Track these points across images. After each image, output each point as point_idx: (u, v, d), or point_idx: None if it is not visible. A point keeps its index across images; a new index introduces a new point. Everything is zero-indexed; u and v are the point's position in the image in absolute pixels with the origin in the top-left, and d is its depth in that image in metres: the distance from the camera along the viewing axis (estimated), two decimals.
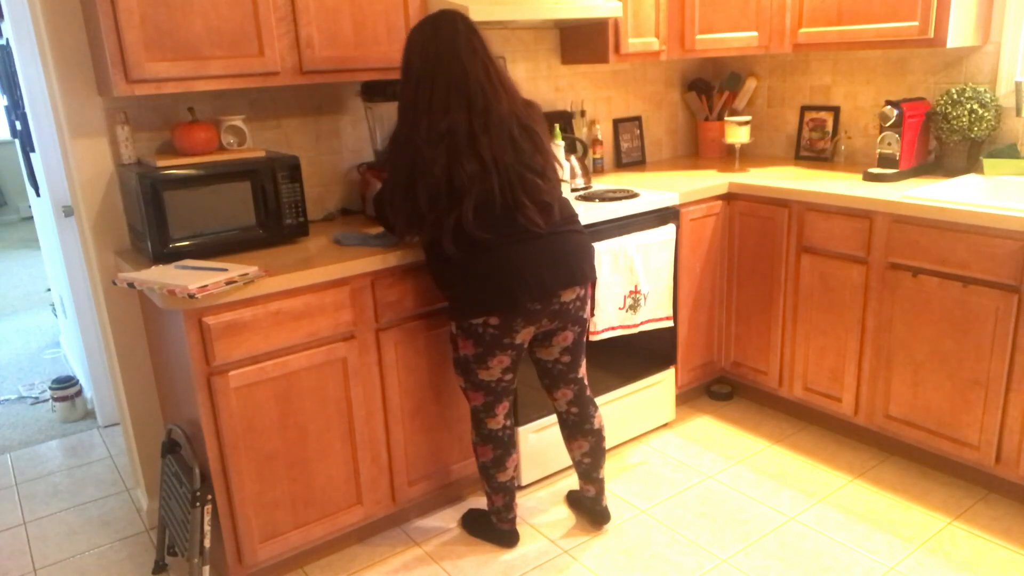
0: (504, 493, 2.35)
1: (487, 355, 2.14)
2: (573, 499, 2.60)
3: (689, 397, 3.32)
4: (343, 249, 2.27)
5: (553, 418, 2.70)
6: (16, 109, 3.79)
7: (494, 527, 2.42)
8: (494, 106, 1.99)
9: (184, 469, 2.18)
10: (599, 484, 2.45)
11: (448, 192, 1.98)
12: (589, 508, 2.50)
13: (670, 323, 2.85)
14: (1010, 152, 2.74)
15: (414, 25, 2.07)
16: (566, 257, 2.09)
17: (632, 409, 2.94)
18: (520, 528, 2.51)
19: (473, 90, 1.97)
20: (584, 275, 2.15)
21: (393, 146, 2.07)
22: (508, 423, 2.31)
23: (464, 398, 2.44)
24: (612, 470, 2.82)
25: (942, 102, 2.82)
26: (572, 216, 2.17)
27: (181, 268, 2.05)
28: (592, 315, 2.61)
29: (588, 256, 2.17)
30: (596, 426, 2.37)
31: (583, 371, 2.33)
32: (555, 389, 2.34)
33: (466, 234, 2.00)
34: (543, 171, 2.06)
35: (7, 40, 3.43)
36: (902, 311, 2.58)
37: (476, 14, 2.40)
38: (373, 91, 2.56)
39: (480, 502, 2.67)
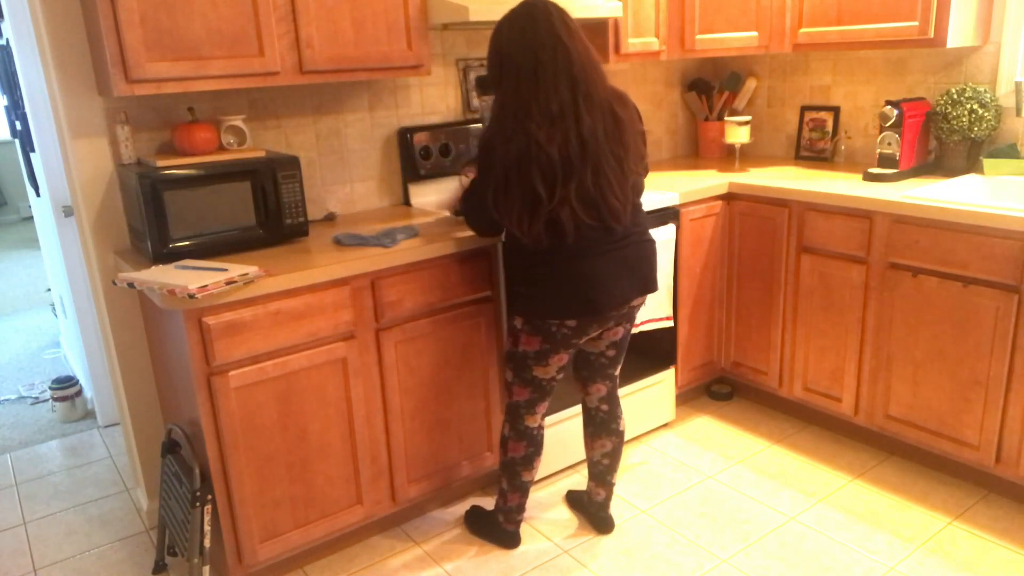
0: (522, 493, 2.35)
1: (551, 353, 2.15)
2: (574, 499, 2.59)
3: (689, 397, 3.32)
4: (343, 249, 2.27)
5: (554, 418, 2.70)
6: (16, 109, 3.79)
7: (499, 527, 2.41)
8: (594, 89, 1.97)
9: (184, 469, 2.18)
10: (610, 488, 2.44)
11: (563, 174, 1.95)
12: (594, 514, 2.48)
13: (670, 323, 2.85)
14: (1010, 152, 2.74)
15: (503, 17, 2.03)
16: (641, 267, 2.14)
17: (632, 409, 2.95)
18: (520, 528, 2.51)
19: (577, 72, 1.95)
20: (655, 284, 2.21)
21: (494, 141, 1.99)
22: (543, 423, 2.32)
23: (506, 391, 2.33)
24: None
25: (942, 102, 2.82)
26: (646, 223, 2.18)
27: (181, 268, 2.05)
28: None
29: (656, 264, 2.21)
30: (621, 427, 2.38)
31: (619, 370, 2.36)
32: (591, 383, 2.34)
33: (560, 229, 1.98)
34: (624, 167, 2.02)
35: (7, 40, 3.43)
36: (902, 311, 2.58)
37: (476, 14, 2.41)
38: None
39: (480, 502, 2.67)
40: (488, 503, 2.65)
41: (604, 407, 2.37)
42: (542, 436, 2.32)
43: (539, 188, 1.94)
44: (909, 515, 2.49)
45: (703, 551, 2.36)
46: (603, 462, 2.39)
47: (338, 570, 2.37)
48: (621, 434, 2.39)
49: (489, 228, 2.21)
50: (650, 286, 2.18)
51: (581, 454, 2.82)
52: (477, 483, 2.74)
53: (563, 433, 2.73)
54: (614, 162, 1.99)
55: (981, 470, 2.57)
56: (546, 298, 2.07)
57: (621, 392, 2.88)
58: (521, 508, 2.38)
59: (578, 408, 2.75)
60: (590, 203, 1.98)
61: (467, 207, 2.22)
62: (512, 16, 2.01)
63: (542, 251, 2.04)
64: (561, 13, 1.99)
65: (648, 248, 2.17)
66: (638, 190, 2.16)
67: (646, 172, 2.20)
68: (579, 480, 2.76)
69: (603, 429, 2.37)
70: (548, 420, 2.68)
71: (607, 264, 2.06)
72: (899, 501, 2.56)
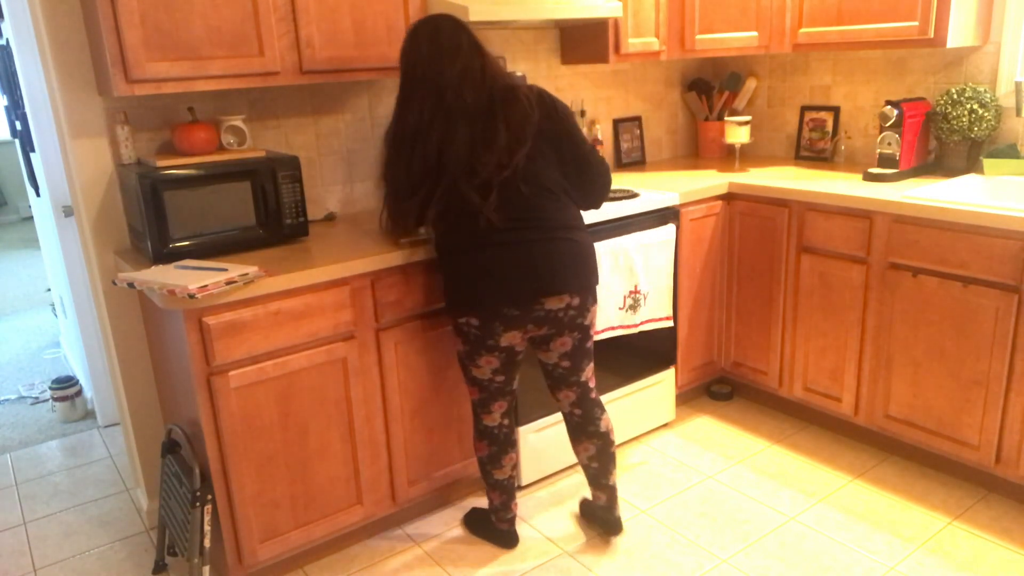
0: (501, 491, 2.35)
1: (474, 353, 2.17)
2: (585, 508, 2.53)
3: (689, 397, 3.32)
4: (343, 249, 2.27)
5: (554, 418, 2.70)
6: (16, 109, 3.79)
7: (493, 526, 2.42)
8: (463, 100, 2.02)
9: (184, 469, 2.18)
10: (610, 491, 2.37)
11: (436, 168, 2.04)
12: (602, 517, 2.43)
13: (670, 323, 2.85)
14: (1010, 152, 2.74)
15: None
16: (551, 264, 2.05)
17: (632, 409, 2.94)
18: (520, 528, 2.51)
19: (447, 89, 2.02)
20: (575, 284, 2.09)
21: (386, 146, 2.15)
22: (506, 422, 2.31)
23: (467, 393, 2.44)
24: None
25: (942, 102, 2.82)
26: (569, 222, 2.12)
27: (181, 268, 2.05)
28: None
29: (582, 264, 2.11)
30: (602, 428, 2.30)
31: (587, 375, 2.28)
32: (557, 390, 2.31)
33: (453, 220, 2.06)
34: (508, 164, 2.03)
35: (7, 40, 3.43)
36: (902, 311, 2.58)
37: (476, 14, 2.41)
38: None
39: (480, 502, 2.67)
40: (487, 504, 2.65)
41: (577, 411, 2.30)
42: (506, 434, 2.30)
43: (404, 193, 2.11)
44: (909, 515, 2.49)
45: (703, 551, 2.36)
46: (592, 465, 2.34)
47: (338, 570, 2.37)
48: (603, 435, 2.30)
49: (401, 226, 2.25)
50: (564, 287, 2.07)
51: None
52: (477, 483, 2.74)
53: (562, 434, 2.73)
54: (474, 164, 2.01)
55: (981, 470, 2.57)
56: (449, 294, 2.13)
57: (621, 392, 2.88)
58: (506, 507, 2.37)
59: None
60: (456, 202, 2.03)
61: (386, 208, 2.25)
62: (409, 32, 2.10)
63: (448, 247, 2.10)
64: (451, 27, 2.05)
65: (560, 246, 2.07)
66: (577, 189, 2.17)
67: (584, 167, 2.17)
68: (579, 480, 2.76)
69: (581, 432, 2.31)
70: (546, 420, 2.68)
71: (497, 259, 2.04)
72: (899, 501, 2.56)
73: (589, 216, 2.59)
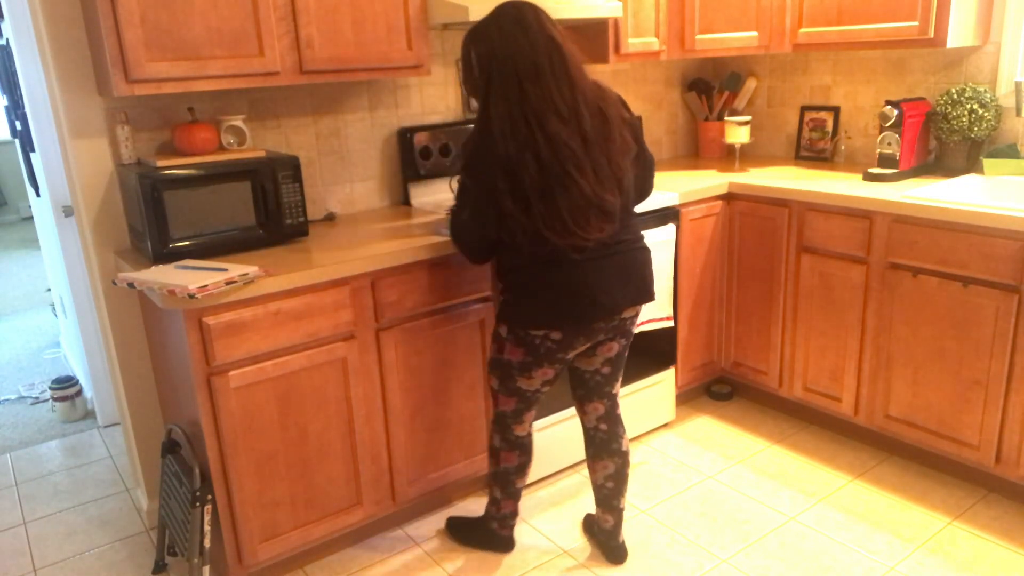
0: (516, 499, 2.32)
1: (535, 366, 2.06)
2: (588, 525, 2.47)
3: (689, 397, 3.32)
4: (343, 249, 2.27)
5: (554, 417, 2.70)
6: (16, 109, 3.79)
7: (493, 533, 2.37)
8: (585, 88, 1.90)
9: (184, 469, 2.18)
10: (619, 514, 2.30)
11: (548, 181, 1.87)
12: (604, 542, 2.34)
13: (670, 323, 2.85)
14: (1010, 152, 2.74)
15: (487, 18, 1.94)
16: (635, 275, 2.04)
17: (632, 409, 2.94)
18: (520, 528, 2.51)
19: (573, 71, 1.89)
20: (650, 293, 2.11)
21: (481, 150, 1.91)
22: (531, 431, 2.27)
23: (492, 399, 2.27)
24: None
25: (942, 102, 2.82)
26: (639, 228, 2.10)
27: (181, 268, 2.05)
28: None
29: (651, 273, 2.12)
30: (624, 447, 2.25)
31: (618, 388, 2.25)
32: (587, 401, 2.23)
33: (545, 236, 1.89)
34: (614, 165, 1.94)
35: (7, 40, 3.43)
36: (902, 311, 2.58)
37: (476, 14, 2.40)
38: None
39: (480, 503, 2.67)
40: (483, 505, 2.64)
41: (603, 427, 2.24)
42: (531, 442, 2.27)
43: (531, 193, 1.86)
44: (909, 515, 2.49)
45: (703, 551, 2.36)
46: (607, 485, 2.25)
47: (338, 570, 2.37)
48: (624, 454, 2.24)
49: (483, 250, 2.06)
50: (644, 296, 2.08)
51: (581, 454, 2.82)
52: (477, 483, 2.74)
53: (562, 433, 2.73)
54: (605, 161, 1.91)
55: (981, 470, 2.57)
56: (529, 307, 1.99)
57: (621, 392, 2.87)
58: (516, 513, 2.35)
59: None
60: (588, 205, 1.89)
61: (460, 228, 2.06)
62: (500, 17, 1.92)
63: (532, 258, 1.95)
64: (546, 13, 1.95)
65: (642, 255, 2.07)
66: (637, 191, 2.10)
67: (648, 168, 2.13)
68: (579, 480, 2.76)
69: (603, 450, 2.24)
70: (547, 420, 2.68)
71: (595, 272, 1.96)
72: (899, 501, 2.56)
73: None
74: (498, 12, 1.94)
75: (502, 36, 1.90)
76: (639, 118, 2.13)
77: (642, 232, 2.11)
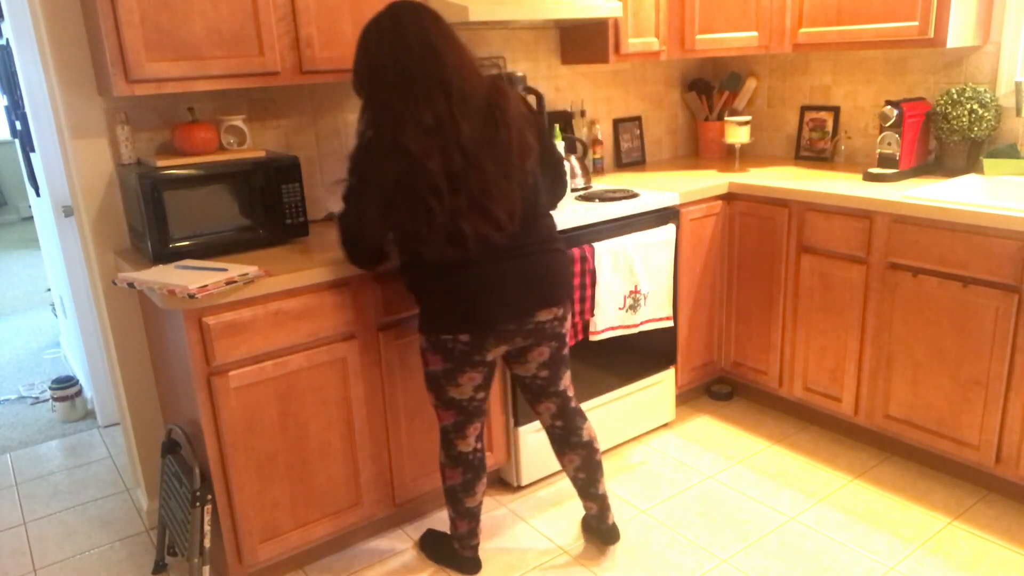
0: (470, 519, 2.24)
1: (457, 371, 2.05)
2: (583, 522, 2.46)
3: (689, 397, 3.32)
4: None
5: None
6: (16, 109, 3.79)
7: (456, 553, 2.31)
8: (470, 92, 1.86)
9: (184, 469, 2.18)
10: (601, 501, 2.31)
11: (448, 187, 1.85)
12: (596, 528, 2.36)
13: (670, 323, 2.85)
14: (1010, 152, 2.74)
15: (370, 20, 1.92)
16: (544, 277, 2.01)
17: (632, 409, 2.94)
18: (520, 528, 2.51)
19: (449, 76, 1.83)
20: (563, 296, 2.07)
21: (373, 157, 1.88)
22: (479, 445, 2.20)
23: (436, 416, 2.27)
24: (612, 470, 2.82)
25: (942, 102, 2.82)
26: (555, 233, 2.08)
27: (181, 268, 2.05)
28: (592, 315, 2.61)
29: (568, 276, 2.09)
30: (585, 438, 2.25)
31: (565, 384, 2.23)
32: (537, 403, 2.24)
33: (460, 242, 1.88)
34: (508, 170, 1.91)
35: (7, 40, 3.43)
36: (902, 311, 2.58)
37: (476, 14, 2.41)
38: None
39: (485, 505, 2.66)
40: (487, 503, 2.65)
41: (559, 423, 2.24)
42: (479, 460, 2.20)
43: (430, 202, 1.83)
44: (909, 515, 2.49)
45: (703, 551, 2.36)
46: (579, 476, 2.27)
47: (338, 570, 2.37)
48: (587, 444, 2.24)
49: (369, 256, 2.06)
50: (556, 299, 2.03)
51: None
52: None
53: None
54: (494, 167, 1.88)
55: (981, 470, 2.57)
56: (435, 312, 1.99)
57: (621, 392, 2.88)
58: (473, 534, 2.27)
59: None
60: (481, 211, 1.87)
61: (344, 234, 2.03)
62: (381, 19, 1.89)
63: (431, 263, 1.94)
64: (430, 13, 1.89)
65: (552, 258, 2.03)
66: (548, 192, 2.08)
67: (554, 168, 2.11)
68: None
69: (564, 445, 2.25)
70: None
71: (495, 274, 1.95)
72: (899, 501, 2.56)
73: (588, 216, 2.60)
74: (380, 14, 1.91)
75: (379, 40, 1.88)
76: (542, 116, 2.09)
77: (557, 235, 2.07)
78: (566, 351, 2.20)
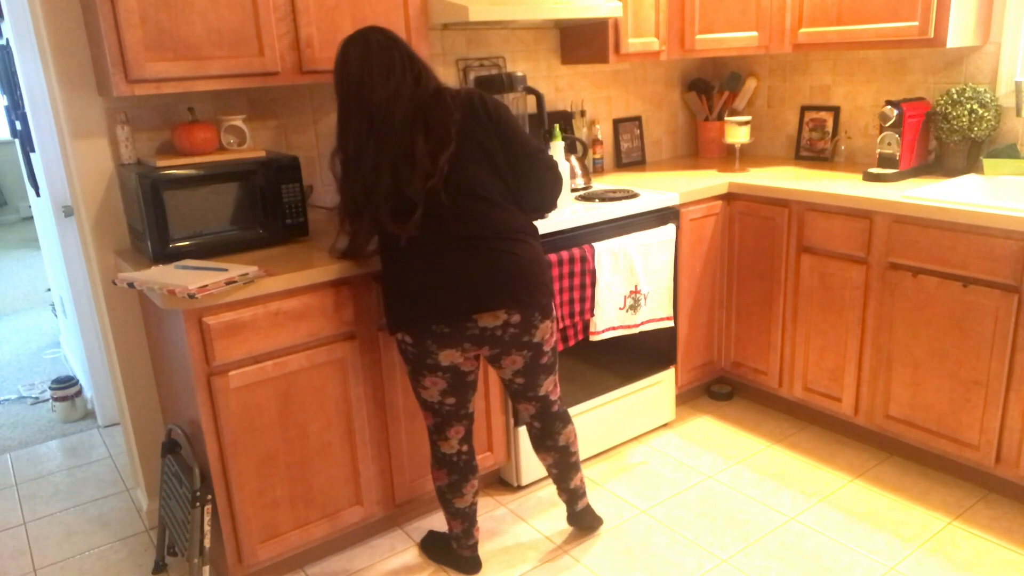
0: (463, 520, 2.24)
1: (416, 374, 2.07)
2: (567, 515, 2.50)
3: (689, 397, 3.32)
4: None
5: None
6: (16, 109, 3.79)
7: (454, 552, 2.32)
8: (392, 120, 1.93)
9: (184, 469, 2.18)
10: (571, 493, 2.36)
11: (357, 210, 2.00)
12: (570, 514, 2.43)
13: (670, 323, 2.85)
14: (1010, 152, 2.74)
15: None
16: (483, 279, 1.93)
17: (632, 409, 2.95)
18: (520, 528, 2.51)
19: (374, 109, 1.93)
20: (511, 299, 1.95)
21: (339, 157, 2.04)
22: (464, 448, 2.19)
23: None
24: (612, 470, 2.82)
25: (942, 102, 2.82)
26: (509, 233, 1.98)
27: (181, 268, 2.05)
28: (593, 315, 2.61)
29: (522, 278, 1.96)
30: (560, 443, 2.26)
31: (546, 389, 2.20)
32: (517, 402, 2.26)
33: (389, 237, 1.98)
34: (434, 171, 1.93)
35: (7, 40, 3.43)
36: (902, 311, 2.58)
37: (476, 14, 2.41)
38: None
39: (485, 505, 2.67)
40: (487, 503, 2.65)
41: (536, 424, 2.26)
42: (465, 462, 2.19)
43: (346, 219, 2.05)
44: (909, 515, 2.49)
45: (703, 551, 2.36)
46: (552, 471, 2.33)
47: (338, 570, 2.37)
48: (562, 448, 2.27)
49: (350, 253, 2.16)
50: (495, 302, 1.94)
51: (580, 454, 2.82)
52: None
53: None
54: (401, 183, 1.92)
55: (981, 470, 2.57)
56: (387, 309, 2.05)
57: (621, 392, 2.88)
58: (468, 534, 2.27)
59: (574, 405, 2.76)
60: (374, 210, 1.96)
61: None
62: (338, 53, 1.99)
63: (383, 259, 2.03)
64: (380, 44, 1.94)
65: (500, 258, 1.94)
66: (520, 188, 2.04)
67: (523, 161, 2.03)
68: None
69: (540, 445, 2.28)
70: None
71: (428, 272, 1.94)
72: (899, 501, 2.56)
73: (588, 216, 2.59)
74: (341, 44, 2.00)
75: (336, 68, 1.99)
76: (512, 114, 2.07)
77: (514, 235, 1.99)
78: (546, 360, 2.14)
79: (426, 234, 1.95)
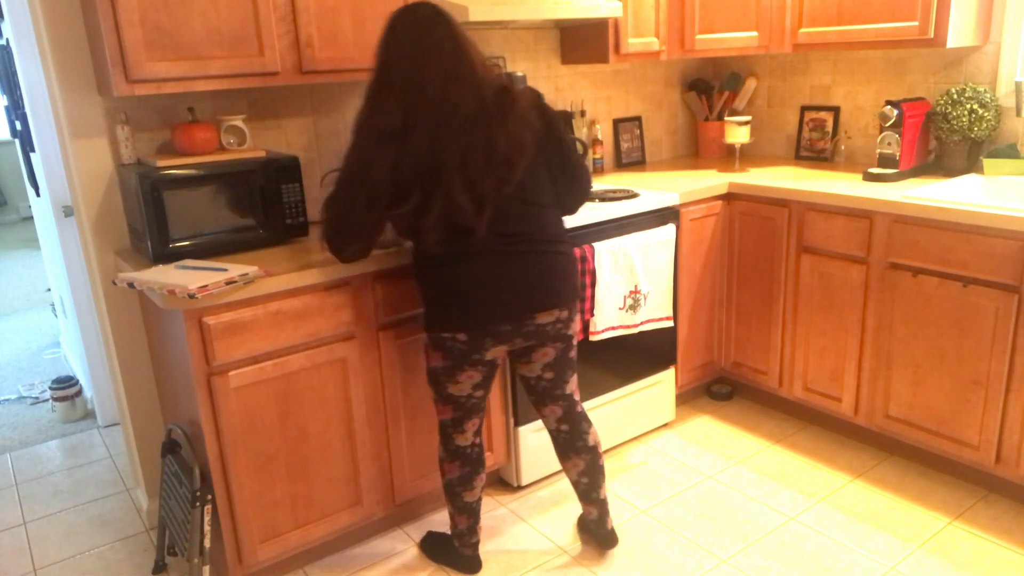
0: (468, 515, 2.24)
1: (456, 369, 2.06)
2: (580, 523, 2.47)
3: (689, 397, 3.32)
4: None
5: None
6: (16, 109, 3.79)
7: (456, 551, 2.31)
8: (454, 102, 1.87)
9: (184, 469, 2.18)
10: (601, 505, 2.31)
11: (395, 193, 1.89)
12: (594, 532, 2.37)
13: (670, 323, 2.85)
14: (1010, 152, 2.74)
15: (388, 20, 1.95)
16: (544, 278, 2.00)
17: (632, 409, 2.94)
18: (520, 528, 2.51)
19: (427, 84, 1.86)
20: (564, 298, 2.05)
21: (356, 153, 1.95)
22: (477, 440, 2.21)
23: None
24: (612, 470, 2.82)
25: (942, 102, 2.82)
26: (559, 235, 2.06)
27: (181, 268, 2.05)
28: (592, 315, 2.61)
29: (573, 277, 2.08)
30: (590, 443, 2.25)
31: (571, 387, 2.22)
32: (542, 406, 2.24)
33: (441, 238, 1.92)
34: (494, 172, 1.91)
35: (7, 40, 3.43)
36: (902, 311, 2.58)
37: (476, 14, 2.41)
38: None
39: (485, 505, 2.66)
40: (487, 503, 2.65)
41: (564, 427, 2.24)
42: (477, 454, 2.21)
43: (360, 206, 1.91)
44: (909, 515, 2.49)
45: (703, 551, 2.36)
46: (582, 481, 2.27)
47: (338, 570, 2.37)
48: (592, 449, 2.24)
49: (350, 251, 2.07)
50: (555, 302, 2.02)
51: None
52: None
53: None
54: (463, 171, 1.87)
55: (981, 470, 2.57)
56: (435, 310, 2.01)
57: (621, 392, 2.88)
58: (472, 531, 2.27)
59: None
60: (441, 216, 1.89)
61: (328, 224, 2.04)
62: (386, 24, 1.94)
63: (432, 259, 1.98)
64: (430, 17, 1.90)
65: (554, 259, 2.02)
66: (562, 194, 2.07)
67: (567, 174, 2.07)
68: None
69: (569, 449, 2.25)
70: (541, 423, 2.67)
71: (495, 273, 1.95)
72: (899, 501, 2.56)
73: (588, 216, 2.60)
74: (389, 18, 1.95)
75: (381, 43, 1.93)
76: (556, 122, 2.08)
77: (562, 236, 2.07)
78: (573, 353, 2.19)
79: (490, 235, 1.95)
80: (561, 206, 2.13)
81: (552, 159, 2.06)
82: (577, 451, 2.25)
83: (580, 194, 2.17)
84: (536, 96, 2.05)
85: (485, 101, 1.90)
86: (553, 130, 2.05)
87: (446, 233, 1.92)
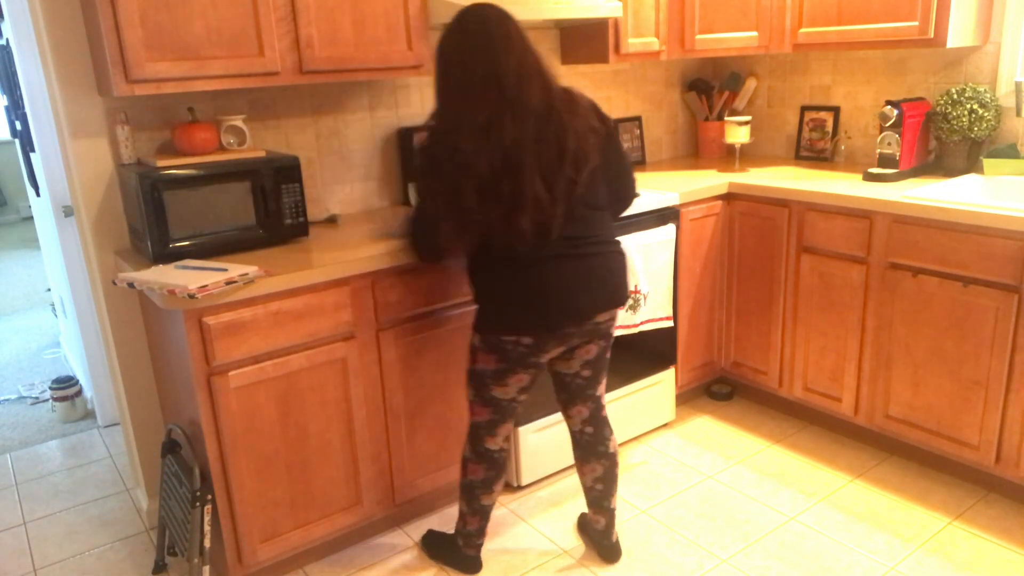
0: (481, 517, 2.25)
1: (509, 372, 2.05)
2: (582, 524, 2.47)
3: (689, 397, 3.32)
4: (343, 249, 2.27)
5: (554, 418, 2.70)
6: (16, 109, 3.79)
7: (459, 551, 2.31)
8: (528, 95, 1.87)
9: (184, 469, 2.18)
10: (610, 516, 2.30)
11: (495, 190, 1.87)
12: (598, 542, 2.35)
13: (670, 323, 2.85)
14: (1010, 152, 2.74)
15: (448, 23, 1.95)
16: (606, 280, 2.02)
17: (632, 409, 2.95)
18: (520, 528, 2.51)
19: (505, 79, 1.85)
20: (623, 297, 2.09)
21: (436, 154, 1.93)
22: (506, 445, 2.21)
23: (468, 409, 2.23)
24: None
25: (942, 102, 2.82)
26: (613, 235, 2.08)
27: (181, 268, 2.05)
28: None
29: (625, 277, 2.11)
30: (611, 449, 2.24)
31: (601, 390, 2.23)
32: (571, 405, 2.23)
33: (507, 240, 1.90)
34: (561, 174, 1.91)
35: (7, 40, 3.43)
36: (902, 311, 2.58)
37: None
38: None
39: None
40: None
41: (589, 429, 2.23)
42: (503, 459, 2.20)
43: (470, 203, 1.86)
44: (909, 515, 2.49)
45: (703, 551, 2.36)
46: (596, 487, 2.26)
47: (338, 570, 2.37)
48: (611, 456, 2.24)
49: (432, 253, 2.13)
50: (616, 300, 2.06)
51: None
52: None
53: (562, 434, 2.73)
54: (534, 173, 1.86)
55: (981, 470, 2.57)
56: (498, 312, 2.00)
57: (621, 392, 2.88)
58: (481, 532, 2.28)
59: None
60: (507, 220, 1.87)
61: (414, 231, 2.11)
62: (448, 25, 1.94)
63: (496, 261, 1.96)
64: (497, 17, 1.90)
65: (615, 259, 2.06)
66: (613, 196, 2.08)
67: (618, 187, 2.10)
68: (579, 481, 2.76)
69: (590, 453, 2.24)
70: (547, 420, 2.68)
71: (562, 277, 1.95)
72: (899, 501, 2.56)
73: None
74: (452, 20, 1.94)
75: (446, 44, 1.92)
76: (615, 124, 2.09)
77: (615, 237, 2.08)
78: (609, 352, 2.20)
79: (559, 236, 1.95)
80: (611, 209, 2.13)
81: (610, 163, 2.05)
82: (597, 456, 2.24)
83: (629, 200, 2.19)
84: (593, 101, 2.05)
85: (553, 99, 1.91)
86: (613, 136, 2.06)
87: (534, 235, 1.89)
